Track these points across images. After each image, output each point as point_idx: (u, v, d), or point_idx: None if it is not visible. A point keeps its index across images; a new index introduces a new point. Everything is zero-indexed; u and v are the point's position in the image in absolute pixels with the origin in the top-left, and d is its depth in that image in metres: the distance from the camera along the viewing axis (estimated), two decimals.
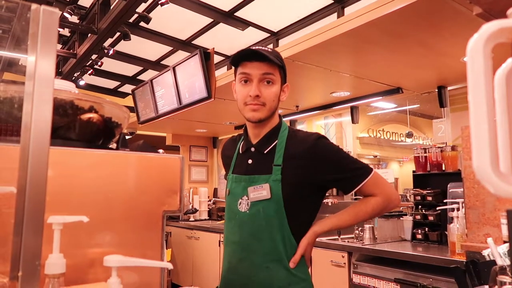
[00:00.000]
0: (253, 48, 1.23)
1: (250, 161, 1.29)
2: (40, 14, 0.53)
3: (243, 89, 1.25)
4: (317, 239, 1.25)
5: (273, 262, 1.18)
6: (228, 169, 1.39)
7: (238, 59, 1.26)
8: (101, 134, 1.04)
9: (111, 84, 6.00)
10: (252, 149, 1.30)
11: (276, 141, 1.27)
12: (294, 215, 1.20)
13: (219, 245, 3.97)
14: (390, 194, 1.25)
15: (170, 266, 0.86)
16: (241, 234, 1.23)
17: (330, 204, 3.52)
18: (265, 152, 1.27)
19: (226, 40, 4.37)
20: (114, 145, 1.09)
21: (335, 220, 1.26)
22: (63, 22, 3.52)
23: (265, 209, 1.19)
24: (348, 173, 1.23)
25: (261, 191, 1.20)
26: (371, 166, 1.27)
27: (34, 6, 0.52)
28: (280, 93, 1.28)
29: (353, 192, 1.26)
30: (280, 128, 1.30)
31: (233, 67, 1.33)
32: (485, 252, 1.17)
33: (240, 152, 1.35)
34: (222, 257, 1.34)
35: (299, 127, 4.67)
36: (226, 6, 3.70)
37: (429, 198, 2.73)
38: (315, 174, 1.22)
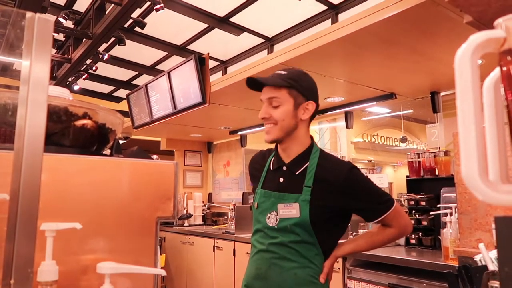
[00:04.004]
0: (256, 76, 1.31)
1: (281, 180, 1.35)
2: (35, 22, 0.53)
3: None
4: None
5: (301, 269, 1.27)
6: (256, 182, 1.45)
7: (253, 88, 1.35)
8: (95, 140, 1.04)
9: (105, 88, 5.99)
10: (284, 168, 1.36)
11: (308, 163, 1.32)
12: (321, 232, 1.28)
13: (214, 250, 3.95)
14: (405, 226, 1.36)
15: (163, 273, 0.86)
16: (271, 243, 1.31)
17: None
18: (296, 173, 1.33)
19: (221, 45, 4.38)
20: (108, 151, 1.09)
21: (353, 246, 1.38)
22: (58, 27, 3.51)
23: (293, 225, 1.27)
24: (374, 205, 1.32)
25: (290, 209, 1.28)
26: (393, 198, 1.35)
27: (29, 14, 0.52)
28: (298, 111, 1.32)
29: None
30: (311, 150, 1.35)
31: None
32: (477, 257, 1.18)
33: (271, 168, 1.41)
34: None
35: None
36: (221, 12, 3.72)
37: (423, 203, 2.75)
38: (344, 201, 1.29)
